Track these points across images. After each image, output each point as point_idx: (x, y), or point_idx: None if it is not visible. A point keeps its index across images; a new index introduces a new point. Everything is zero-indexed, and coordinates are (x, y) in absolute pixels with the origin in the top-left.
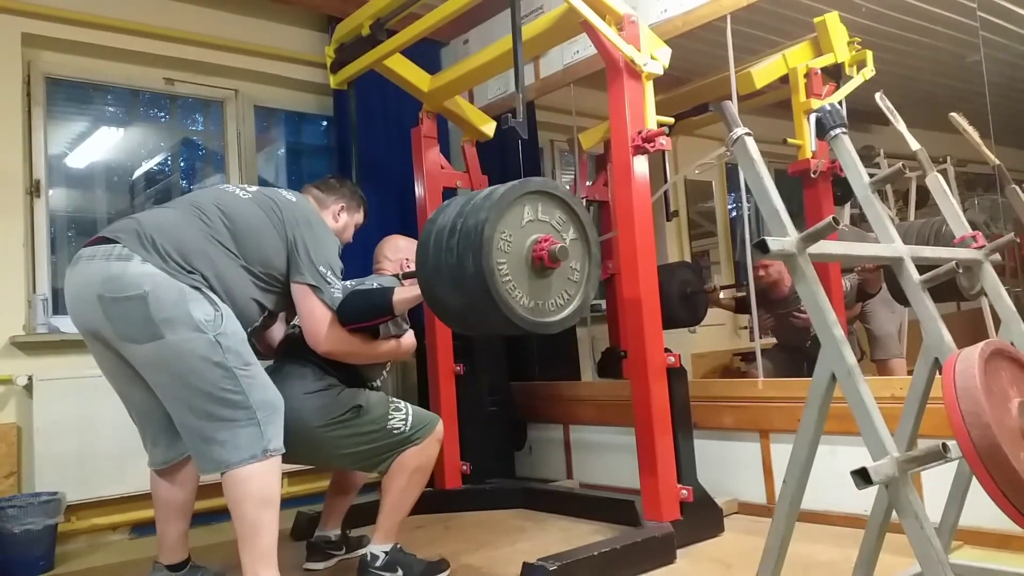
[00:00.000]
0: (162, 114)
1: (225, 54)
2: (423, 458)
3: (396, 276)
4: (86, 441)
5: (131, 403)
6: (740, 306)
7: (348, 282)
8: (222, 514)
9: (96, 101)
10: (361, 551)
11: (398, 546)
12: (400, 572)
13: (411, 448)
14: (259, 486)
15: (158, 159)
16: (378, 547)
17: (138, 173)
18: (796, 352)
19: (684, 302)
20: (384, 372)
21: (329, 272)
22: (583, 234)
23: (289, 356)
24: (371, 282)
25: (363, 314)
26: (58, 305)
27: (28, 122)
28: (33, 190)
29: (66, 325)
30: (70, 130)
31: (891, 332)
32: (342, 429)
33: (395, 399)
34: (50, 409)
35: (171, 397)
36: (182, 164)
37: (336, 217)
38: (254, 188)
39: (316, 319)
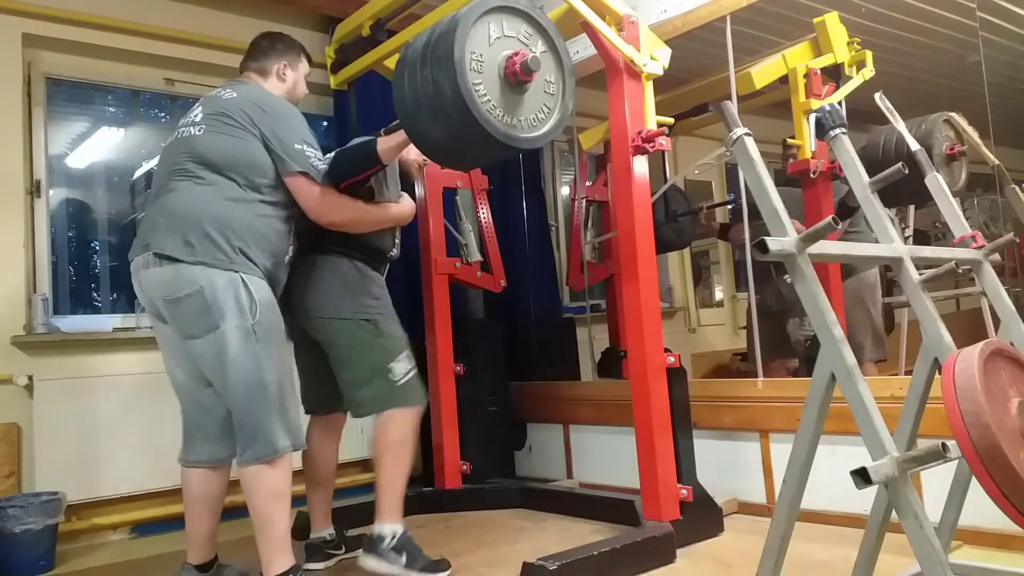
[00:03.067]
0: (162, 114)
1: (225, 54)
2: (405, 430)
3: (377, 134)
4: (86, 441)
5: (192, 398)
6: (723, 231)
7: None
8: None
9: (96, 101)
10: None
11: (408, 534)
12: (404, 558)
13: (389, 413)
14: (269, 481)
15: (158, 159)
16: (387, 526)
17: (138, 173)
18: (781, 314)
19: (671, 224)
20: (395, 240)
21: (305, 147)
22: (552, 46)
23: (315, 245)
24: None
25: (352, 167)
26: (58, 305)
27: (28, 122)
28: (33, 190)
29: (66, 325)
30: (70, 130)
31: (861, 329)
32: (353, 328)
33: (411, 357)
34: (50, 409)
35: (225, 390)
36: None
37: (282, 76)
38: (200, 114)
39: (312, 196)
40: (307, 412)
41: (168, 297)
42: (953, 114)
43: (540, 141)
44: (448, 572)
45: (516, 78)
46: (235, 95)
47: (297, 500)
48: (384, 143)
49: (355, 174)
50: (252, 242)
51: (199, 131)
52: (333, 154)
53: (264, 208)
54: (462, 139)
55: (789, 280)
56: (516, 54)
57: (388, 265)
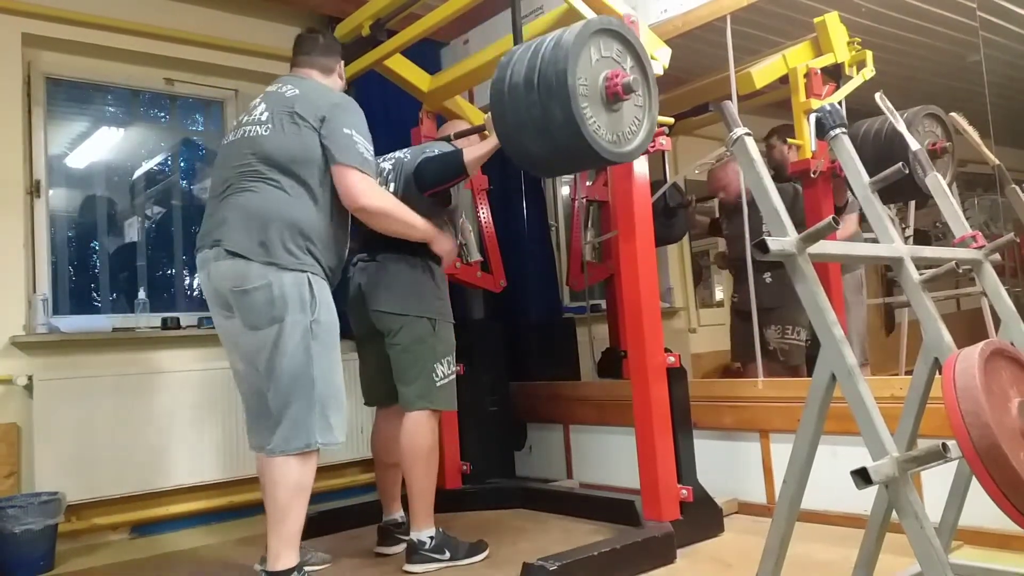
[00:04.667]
0: (162, 114)
1: (225, 54)
2: (434, 436)
3: (446, 138)
4: (86, 441)
5: (254, 389)
6: (713, 227)
7: (400, 152)
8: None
9: (96, 101)
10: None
11: (441, 530)
12: (447, 553)
13: (421, 415)
14: (296, 474)
15: (158, 159)
16: (423, 532)
17: (138, 173)
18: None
19: (662, 218)
20: (457, 239)
21: (353, 132)
22: (638, 60)
23: (388, 247)
24: (431, 149)
25: (440, 178)
26: (58, 305)
27: (28, 122)
28: (33, 190)
29: (66, 325)
30: (70, 130)
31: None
32: (416, 324)
33: (453, 363)
34: (50, 409)
35: (273, 380)
36: (182, 164)
37: (341, 75)
38: (264, 112)
39: (349, 181)
40: (368, 404)
41: (237, 288)
42: (954, 113)
43: (635, 154)
44: (486, 552)
45: (616, 97)
46: (298, 92)
47: (316, 497)
48: (470, 154)
49: (441, 184)
50: (320, 244)
51: (266, 131)
52: (416, 163)
53: (332, 209)
54: (565, 156)
55: (768, 280)
56: (616, 75)
57: None
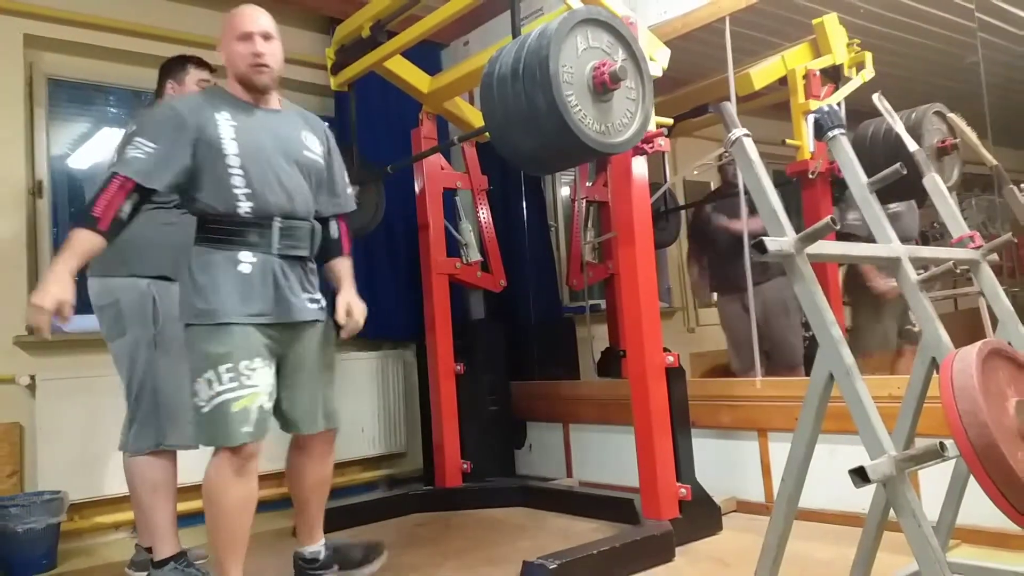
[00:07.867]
0: None
1: None
2: (223, 482)
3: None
4: (88, 440)
5: (125, 393)
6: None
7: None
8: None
9: (98, 102)
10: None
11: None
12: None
13: (215, 461)
14: (149, 473)
15: None
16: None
17: None
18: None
19: (657, 222)
20: (245, 192)
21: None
22: (631, 53)
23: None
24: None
25: None
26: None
27: (30, 123)
28: (35, 190)
29: (68, 325)
30: (72, 131)
31: (794, 332)
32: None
33: (243, 371)
34: (52, 408)
35: (127, 388)
36: None
37: (169, 94)
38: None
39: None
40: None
41: (95, 305)
42: (952, 114)
43: (626, 146)
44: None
45: (604, 87)
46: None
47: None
48: None
49: None
50: (159, 252)
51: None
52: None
53: (168, 215)
54: (554, 149)
55: None
56: (603, 64)
57: (254, 237)
